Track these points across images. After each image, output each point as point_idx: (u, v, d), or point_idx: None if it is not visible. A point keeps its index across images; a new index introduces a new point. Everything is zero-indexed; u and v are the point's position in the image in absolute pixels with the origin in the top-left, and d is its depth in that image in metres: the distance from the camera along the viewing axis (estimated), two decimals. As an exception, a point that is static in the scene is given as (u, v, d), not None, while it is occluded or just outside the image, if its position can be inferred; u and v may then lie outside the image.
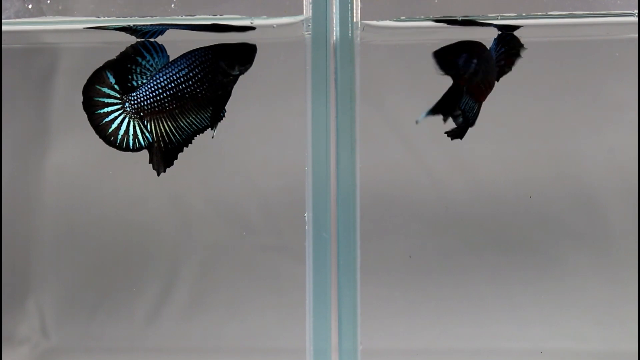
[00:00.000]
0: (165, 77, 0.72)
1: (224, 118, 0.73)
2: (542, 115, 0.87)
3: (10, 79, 0.89)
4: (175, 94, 0.72)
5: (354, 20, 0.74)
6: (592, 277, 0.88)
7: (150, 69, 0.72)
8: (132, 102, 0.72)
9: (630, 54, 0.83)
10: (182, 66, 0.72)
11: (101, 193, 0.90)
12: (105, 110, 0.72)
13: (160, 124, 0.73)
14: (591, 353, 0.88)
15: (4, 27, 0.81)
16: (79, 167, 0.91)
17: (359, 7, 0.75)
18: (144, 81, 0.72)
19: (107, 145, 0.91)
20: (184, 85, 0.72)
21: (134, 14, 0.80)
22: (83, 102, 0.73)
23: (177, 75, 0.72)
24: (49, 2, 0.81)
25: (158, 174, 0.73)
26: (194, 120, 0.73)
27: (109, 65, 0.72)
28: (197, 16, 0.79)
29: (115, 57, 0.72)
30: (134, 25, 0.74)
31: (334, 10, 0.74)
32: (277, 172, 0.88)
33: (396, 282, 0.89)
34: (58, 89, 0.91)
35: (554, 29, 0.81)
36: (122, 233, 0.91)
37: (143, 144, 0.73)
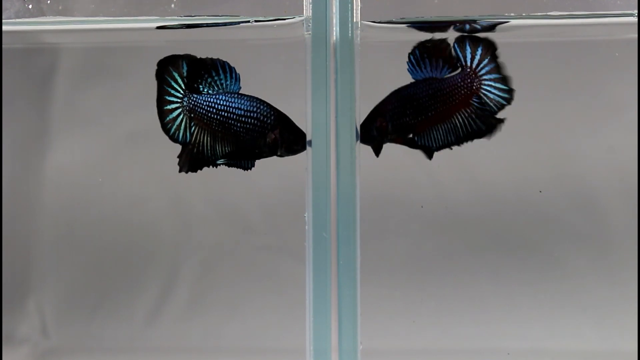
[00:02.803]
0: (223, 103, 0.75)
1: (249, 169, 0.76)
2: (542, 115, 0.87)
3: (10, 79, 0.89)
4: (223, 123, 0.74)
5: (354, 20, 0.74)
6: (592, 278, 0.88)
7: (220, 86, 0.75)
8: (191, 101, 0.75)
9: (630, 54, 0.83)
10: (242, 107, 0.75)
11: (101, 193, 0.90)
12: (170, 107, 0.76)
13: (202, 135, 0.76)
14: (591, 353, 0.88)
15: (4, 27, 0.81)
16: (79, 167, 0.91)
17: (359, 7, 0.75)
18: (210, 92, 0.74)
19: (106, 146, 0.91)
20: (233, 122, 0.75)
21: (135, 13, 0.80)
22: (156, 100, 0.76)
23: (234, 111, 0.75)
24: (49, 2, 0.81)
25: (179, 171, 0.76)
26: (226, 152, 0.75)
27: (167, 64, 0.75)
28: (197, 16, 0.79)
29: (180, 58, 0.75)
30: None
31: (334, 10, 0.74)
32: (277, 172, 0.88)
33: (396, 282, 0.89)
34: (58, 89, 0.91)
35: (554, 29, 0.81)
36: (122, 233, 0.91)
37: (187, 139, 0.76)
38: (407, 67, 0.76)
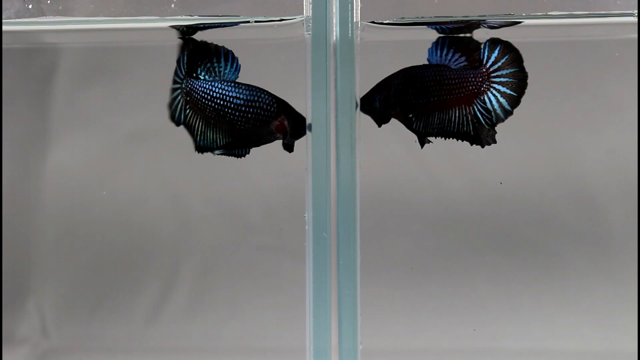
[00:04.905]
0: (220, 91, 0.74)
1: (243, 157, 0.76)
2: (542, 115, 0.87)
3: (10, 79, 0.89)
4: (218, 111, 0.74)
5: (354, 20, 0.74)
6: (592, 277, 0.88)
7: (217, 73, 0.75)
8: (188, 85, 0.75)
9: (630, 54, 0.83)
10: (241, 96, 0.75)
11: (101, 193, 0.90)
12: (174, 86, 0.77)
13: (195, 119, 0.75)
14: (591, 353, 0.88)
15: (4, 27, 0.81)
16: (79, 167, 0.91)
17: (359, 7, 0.75)
18: (207, 78, 0.74)
19: (106, 146, 0.91)
20: (230, 110, 0.75)
21: (135, 13, 0.80)
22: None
23: (231, 99, 0.75)
24: (49, 2, 0.81)
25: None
26: (218, 140, 0.75)
27: (183, 52, 0.76)
28: (197, 16, 0.79)
29: (192, 45, 0.75)
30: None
31: (334, 10, 0.74)
32: (277, 172, 0.88)
33: (396, 282, 0.89)
34: (58, 89, 0.91)
35: (554, 29, 0.81)
36: (122, 233, 0.91)
37: (181, 120, 0.76)
38: (429, 49, 0.75)
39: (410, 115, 0.76)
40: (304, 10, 0.76)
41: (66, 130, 0.91)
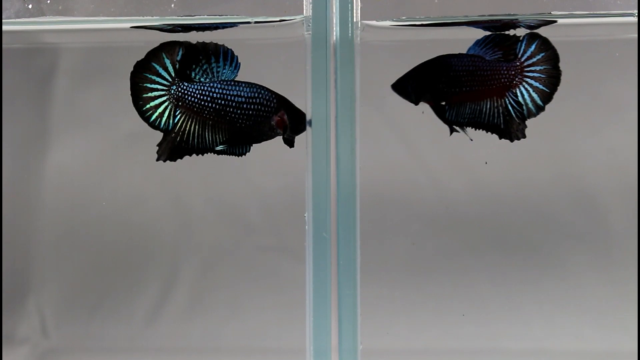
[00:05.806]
0: (220, 91, 0.73)
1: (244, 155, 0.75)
2: (542, 115, 0.87)
3: (10, 79, 0.89)
4: (219, 111, 0.73)
5: (354, 20, 0.74)
6: (592, 277, 0.88)
7: (215, 73, 0.73)
8: (179, 89, 0.74)
9: (630, 54, 0.83)
10: (242, 94, 0.74)
11: (101, 193, 0.90)
12: (152, 94, 0.74)
13: (189, 122, 0.74)
14: (591, 353, 0.88)
15: (4, 27, 0.81)
16: (79, 167, 0.91)
17: (359, 7, 0.75)
18: (202, 79, 0.73)
19: (106, 146, 0.91)
20: (231, 109, 0.74)
21: (134, 13, 0.80)
22: (131, 84, 0.74)
23: (232, 98, 0.74)
24: (49, 2, 0.81)
25: (157, 160, 0.75)
26: (217, 140, 0.75)
27: (160, 51, 0.74)
28: (197, 16, 0.79)
29: (172, 41, 0.73)
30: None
31: (334, 10, 0.74)
32: (277, 172, 0.88)
33: (396, 282, 0.89)
34: (58, 89, 0.91)
35: (554, 29, 0.81)
36: (122, 233, 0.91)
37: (169, 127, 0.74)
38: (473, 43, 0.76)
39: (443, 103, 0.76)
40: (304, 10, 0.76)
41: (66, 130, 0.91)
